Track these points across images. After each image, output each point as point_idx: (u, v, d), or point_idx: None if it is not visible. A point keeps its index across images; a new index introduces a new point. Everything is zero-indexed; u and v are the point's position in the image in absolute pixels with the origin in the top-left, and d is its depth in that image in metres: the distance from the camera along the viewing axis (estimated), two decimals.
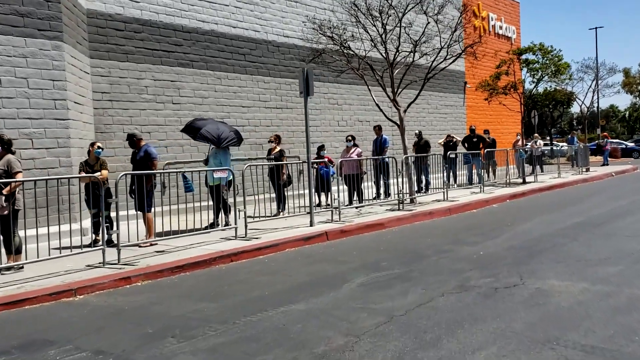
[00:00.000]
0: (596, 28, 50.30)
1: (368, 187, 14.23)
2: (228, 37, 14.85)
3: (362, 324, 5.07)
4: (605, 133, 34.79)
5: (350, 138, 14.02)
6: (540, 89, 31.43)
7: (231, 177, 10.23)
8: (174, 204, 10.46)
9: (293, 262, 8.11)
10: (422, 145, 16.98)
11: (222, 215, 10.59)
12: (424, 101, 22.48)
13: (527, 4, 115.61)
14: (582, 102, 28.13)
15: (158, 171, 9.48)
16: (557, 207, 13.63)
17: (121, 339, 4.93)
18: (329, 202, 14.04)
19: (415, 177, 16.56)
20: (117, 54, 12.54)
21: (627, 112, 66.32)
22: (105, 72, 12.34)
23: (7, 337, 5.14)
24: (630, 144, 42.93)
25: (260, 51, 15.72)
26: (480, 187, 16.48)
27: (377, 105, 14.30)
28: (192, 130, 10.60)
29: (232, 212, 10.05)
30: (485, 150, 18.02)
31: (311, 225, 10.55)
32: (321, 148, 14.42)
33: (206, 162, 10.97)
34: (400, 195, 13.08)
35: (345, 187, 13.81)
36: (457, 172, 18.32)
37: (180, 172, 9.07)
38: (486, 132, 19.80)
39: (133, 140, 9.36)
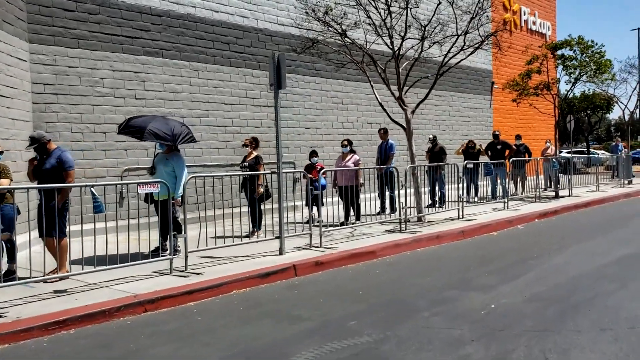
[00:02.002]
0: (638, 29, 46.64)
1: (371, 200, 11.93)
2: (208, 22, 12.74)
3: None
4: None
5: (346, 143, 11.76)
6: (577, 92, 28.63)
7: (164, 190, 8.06)
8: (123, 220, 8.37)
9: (228, 316, 5.89)
10: (436, 152, 14.63)
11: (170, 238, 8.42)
12: (444, 102, 20.09)
13: (563, 2, 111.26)
14: (626, 106, 25.31)
15: (70, 184, 7.22)
16: (597, 230, 11.16)
17: None
18: (320, 217, 11.87)
19: (428, 189, 14.26)
20: (66, 39, 10.52)
21: None
22: (49, 59, 10.32)
23: None
24: None
25: (249, 40, 13.56)
26: (504, 203, 14.03)
27: (380, 104, 12.02)
28: (134, 130, 8.41)
29: (177, 237, 7.89)
30: (511, 160, 15.55)
31: (281, 253, 8.33)
32: (313, 154, 12.21)
33: (152, 170, 8.78)
34: (403, 213, 10.78)
35: (341, 201, 11.55)
36: (479, 183, 15.84)
37: (87, 185, 6.77)
38: (518, 137, 17.26)
39: (42, 143, 7.17)
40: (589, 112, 30.71)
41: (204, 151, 12.59)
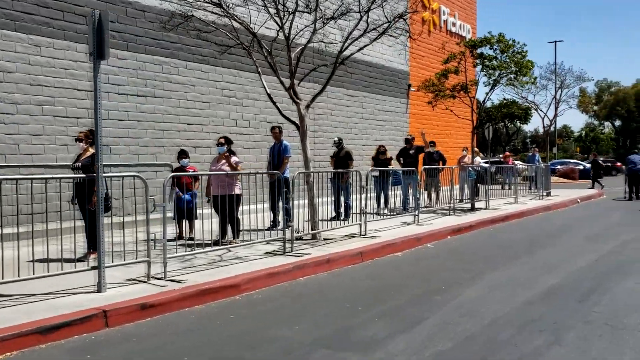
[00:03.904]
0: (555, 42, 47.30)
1: (263, 212, 9.75)
2: None
3: None
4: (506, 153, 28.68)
5: (222, 141, 9.52)
6: (496, 100, 27.74)
7: None
8: None
9: None
10: (341, 157, 12.67)
11: None
12: (356, 103, 18.27)
13: (482, 9, 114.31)
14: (545, 114, 24.47)
15: None
16: (518, 252, 9.49)
17: None
18: (193, 234, 9.62)
19: (332, 199, 12.24)
20: None
21: (584, 132, 64.21)
22: None
23: None
24: (589, 165, 39.88)
25: (114, 14, 11.09)
26: (415, 216, 12.23)
27: (268, 95, 9.96)
28: None
29: None
30: (423, 167, 13.83)
31: (99, 290, 5.98)
32: (182, 154, 9.92)
33: None
34: (290, 230, 8.67)
35: (216, 214, 9.30)
36: (390, 193, 14.00)
37: None
38: (432, 144, 15.60)
39: None
40: (507, 121, 29.95)
41: (47, 148, 10.04)
